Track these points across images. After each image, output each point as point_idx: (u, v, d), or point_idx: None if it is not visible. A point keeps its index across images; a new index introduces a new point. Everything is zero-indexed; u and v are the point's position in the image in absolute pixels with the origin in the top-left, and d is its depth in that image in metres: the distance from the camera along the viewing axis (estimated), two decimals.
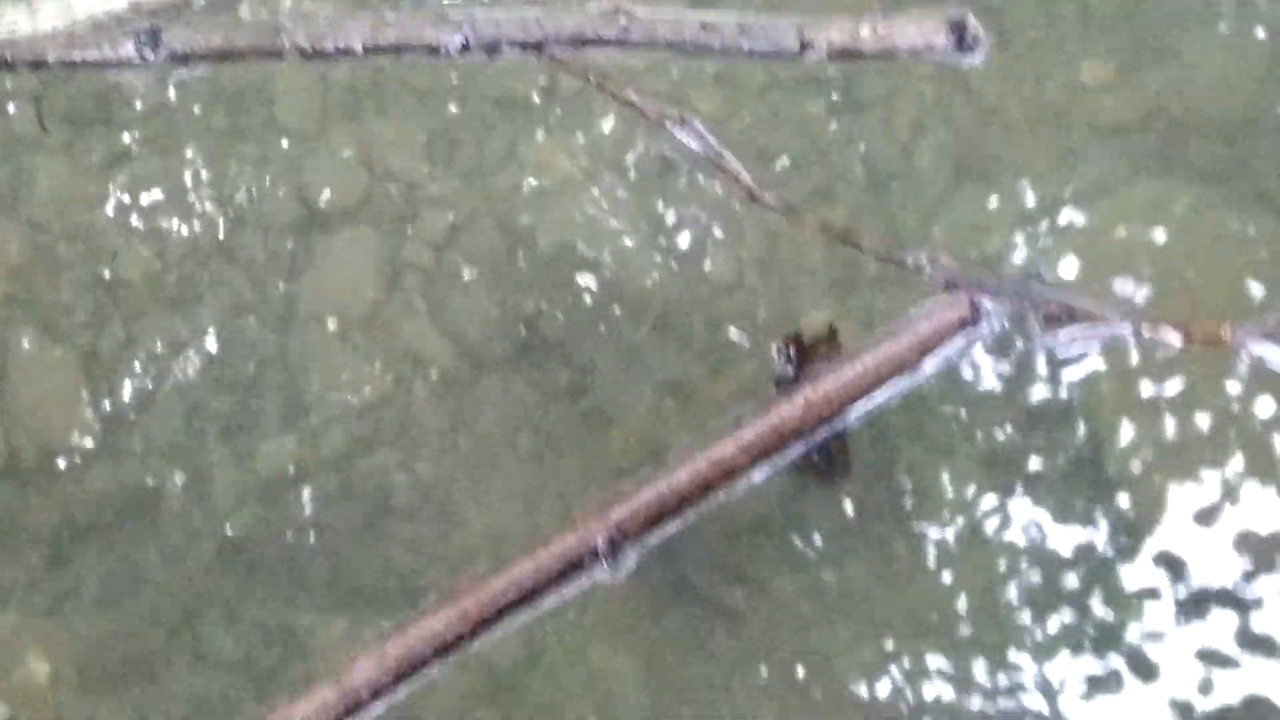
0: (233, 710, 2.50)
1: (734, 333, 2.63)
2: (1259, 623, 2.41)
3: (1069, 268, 2.61)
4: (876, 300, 2.64)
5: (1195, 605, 2.42)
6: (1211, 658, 2.42)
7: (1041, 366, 2.59)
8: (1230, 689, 2.41)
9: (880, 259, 2.52)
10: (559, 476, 2.60)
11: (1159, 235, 2.60)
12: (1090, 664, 2.41)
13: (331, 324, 2.72)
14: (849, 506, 2.54)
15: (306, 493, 2.63)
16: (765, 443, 2.34)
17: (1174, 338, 2.45)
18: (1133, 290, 2.56)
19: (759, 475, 2.47)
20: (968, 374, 2.59)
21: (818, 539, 2.53)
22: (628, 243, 2.71)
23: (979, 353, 2.58)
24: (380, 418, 2.67)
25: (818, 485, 2.48)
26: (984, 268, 2.54)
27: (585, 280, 2.69)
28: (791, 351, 2.46)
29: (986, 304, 2.45)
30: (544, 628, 2.54)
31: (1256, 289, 2.56)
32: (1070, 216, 2.66)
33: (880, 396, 2.51)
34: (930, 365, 2.50)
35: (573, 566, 2.31)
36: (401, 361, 2.71)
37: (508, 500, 2.59)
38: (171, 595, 2.58)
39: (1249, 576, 2.42)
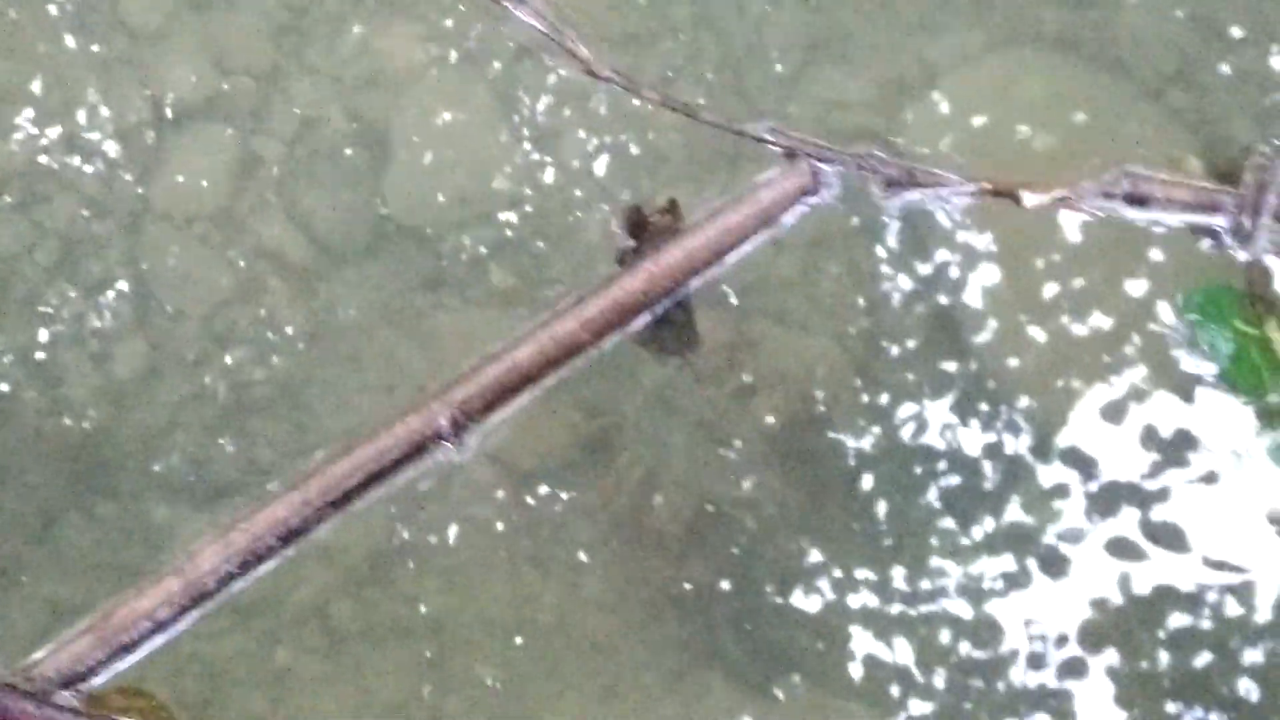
0: (93, 609, 2.47)
1: (584, 214, 2.59)
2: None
3: (915, 134, 2.58)
4: (732, 180, 2.59)
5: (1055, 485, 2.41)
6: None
7: (886, 232, 2.56)
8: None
9: (720, 129, 2.49)
10: (417, 367, 2.56)
11: (1006, 100, 2.57)
12: (993, 563, 2.40)
13: (183, 222, 2.68)
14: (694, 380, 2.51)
15: (162, 392, 2.59)
16: (607, 317, 2.33)
17: (1016, 198, 2.43)
18: (977, 153, 2.53)
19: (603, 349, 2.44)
20: (810, 242, 2.56)
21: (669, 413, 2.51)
22: (481, 130, 2.67)
23: (824, 220, 2.55)
24: (235, 315, 2.64)
25: (663, 357, 2.46)
26: (825, 137, 2.51)
27: (439, 168, 2.65)
28: (632, 226, 2.42)
29: (827, 171, 2.42)
30: (404, 516, 2.50)
31: (1100, 150, 2.52)
32: (921, 84, 2.64)
33: (723, 267, 2.48)
34: (772, 234, 2.47)
35: (417, 448, 2.28)
36: (256, 258, 2.67)
37: (365, 392, 2.57)
38: (29, 499, 2.55)
39: (1099, 436, 2.41)
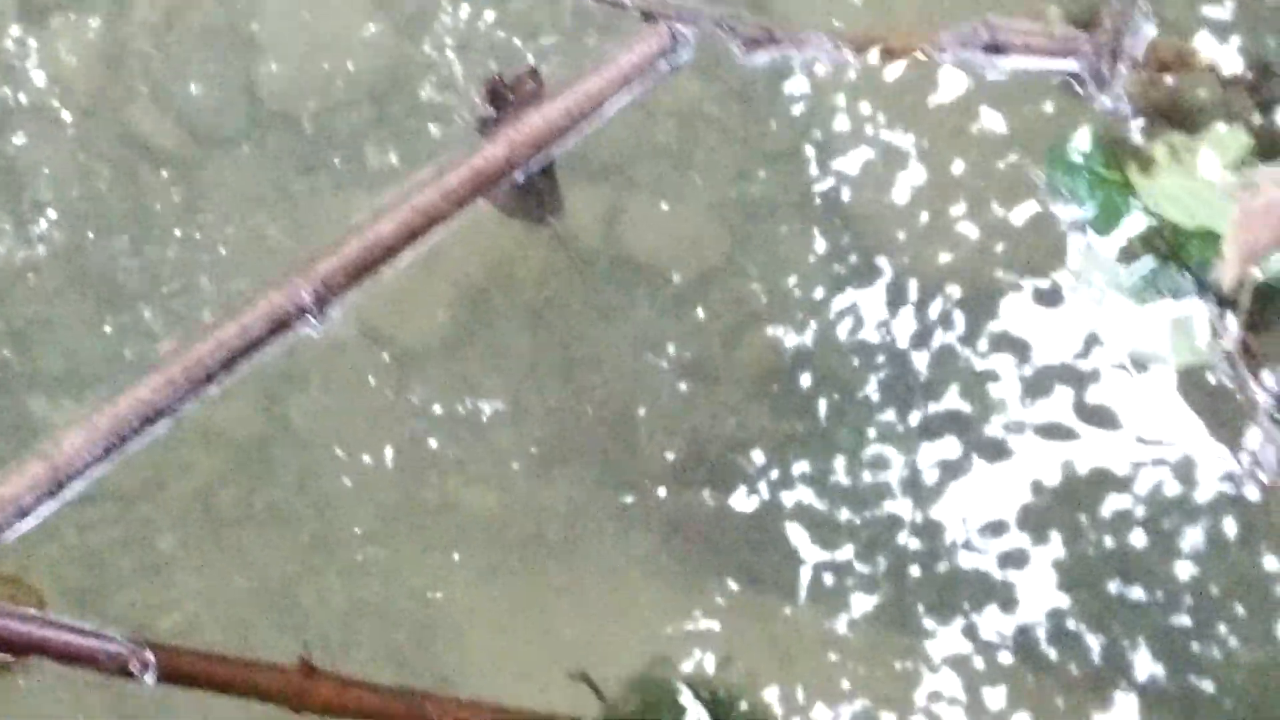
0: None
1: (456, 90, 2.57)
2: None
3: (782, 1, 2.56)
4: (603, 49, 2.57)
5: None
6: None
7: (760, 99, 2.53)
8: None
9: None
10: (295, 248, 2.54)
11: None
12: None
13: (53, 113, 2.64)
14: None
15: (34, 284, 2.57)
16: (469, 187, 2.30)
17: (874, 54, 2.41)
18: (843, 18, 2.51)
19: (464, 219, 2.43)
20: (674, 103, 2.53)
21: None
22: (350, 11, 2.64)
23: (684, 81, 2.53)
24: (108, 205, 2.61)
25: (529, 224, 2.44)
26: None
27: (309, 52, 2.62)
28: (493, 95, 2.40)
29: (685, 32, 2.40)
30: (286, 400, 2.49)
31: (964, 9, 2.52)
32: None
33: (585, 131, 2.46)
34: (632, 96, 2.45)
35: (280, 323, 2.27)
36: (127, 148, 2.64)
37: (242, 274, 2.54)
38: None
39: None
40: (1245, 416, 2.34)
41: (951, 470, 2.48)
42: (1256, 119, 2.44)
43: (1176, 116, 2.37)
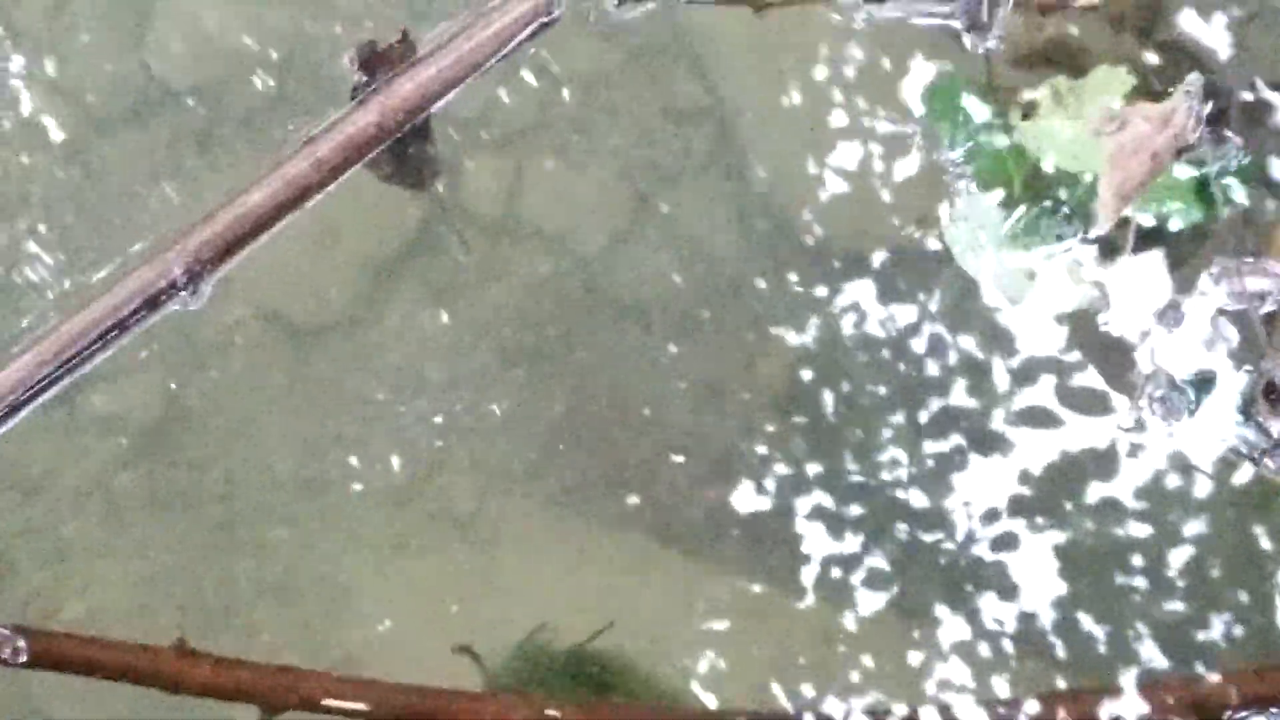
0: None
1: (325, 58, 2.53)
2: None
3: None
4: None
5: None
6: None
7: (653, 53, 2.48)
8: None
9: None
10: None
11: None
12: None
13: None
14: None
15: None
16: (340, 155, 2.25)
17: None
18: None
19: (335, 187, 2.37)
20: (577, 69, 2.47)
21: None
22: None
23: (586, 45, 2.47)
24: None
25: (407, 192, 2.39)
26: None
27: (200, 28, 2.58)
28: (365, 60, 2.35)
29: None
30: (184, 382, 2.45)
31: None
32: None
33: (459, 94, 2.40)
34: (508, 57, 2.39)
35: (152, 299, 2.22)
36: (20, 131, 2.60)
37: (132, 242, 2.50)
38: None
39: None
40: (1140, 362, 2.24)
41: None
42: (1142, 60, 2.34)
43: (1059, 59, 2.28)
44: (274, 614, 2.45)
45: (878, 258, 2.51)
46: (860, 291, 2.52)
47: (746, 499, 2.42)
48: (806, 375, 2.50)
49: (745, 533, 2.46)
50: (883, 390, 2.44)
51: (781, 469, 2.43)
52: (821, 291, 2.55)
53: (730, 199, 2.58)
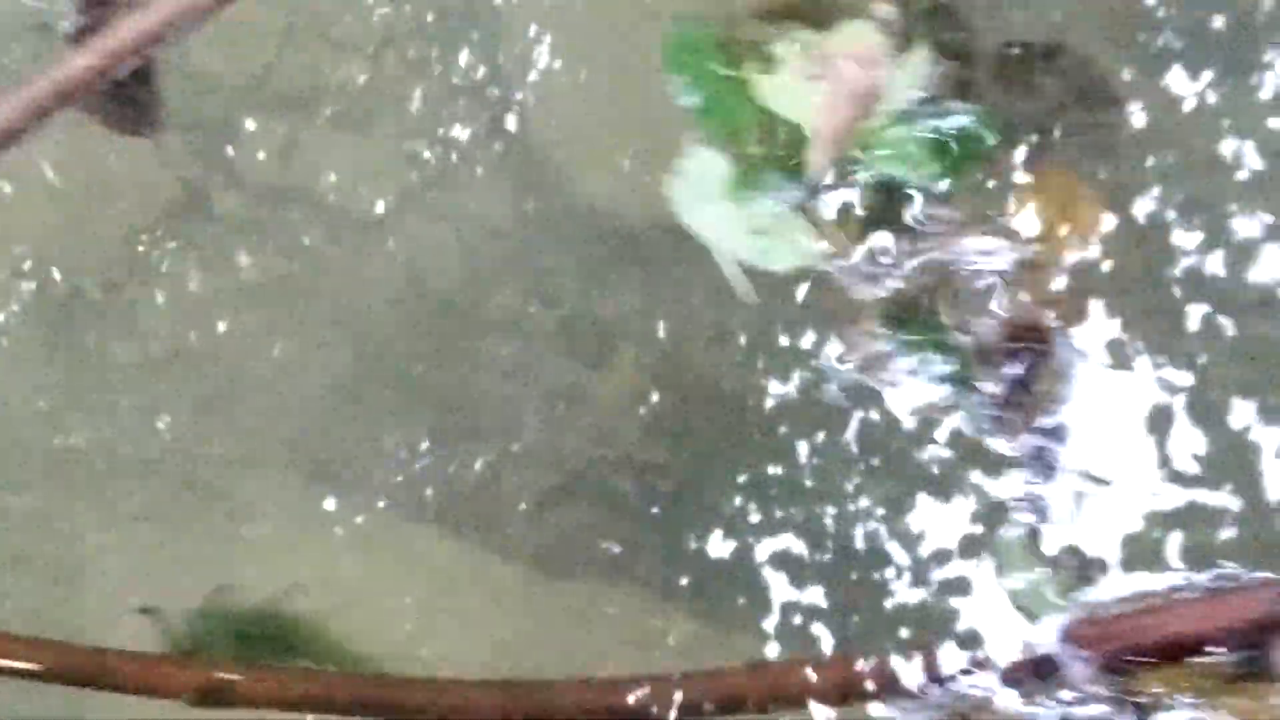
0: None
1: None
2: None
3: None
4: None
5: None
6: None
7: (441, 21, 2.43)
8: None
9: None
10: None
11: None
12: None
13: None
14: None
15: None
16: (52, 97, 2.17)
17: None
18: None
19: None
20: (362, 34, 2.45)
21: None
22: None
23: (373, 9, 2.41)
24: None
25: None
26: None
27: None
28: (87, 2, 2.28)
29: None
30: None
31: None
32: None
33: (185, 36, 2.33)
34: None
35: None
36: None
37: None
38: None
39: None
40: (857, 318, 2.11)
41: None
42: (890, 14, 2.22)
43: (806, 13, 2.16)
44: (13, 586, 2.33)
45: (646, 226, 2.33)
46: (630, 259, 2.38)
47: (493, 475, 2.28)
48: (573, 341, 2.38)
49: (491, 511, 2.28)
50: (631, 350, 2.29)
51: (530, 443, 2.32)
52: (601, 263, 2.46)
53: (513, 170, 2.44)
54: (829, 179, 2.18)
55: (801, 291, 2.25)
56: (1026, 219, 2.19)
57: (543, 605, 2.30)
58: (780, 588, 2.22)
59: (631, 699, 2.03)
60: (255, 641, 2.18)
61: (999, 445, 2.13)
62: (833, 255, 2.16)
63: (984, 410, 2.12)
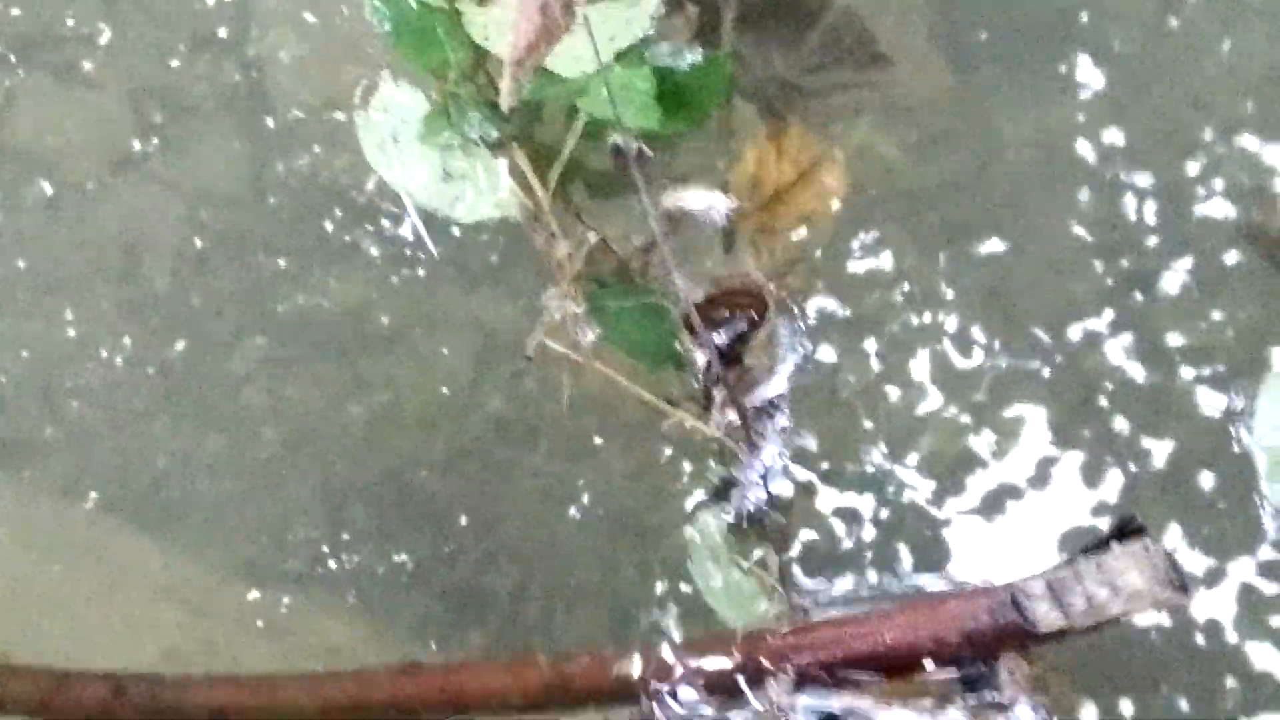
0: None
1: None
2: None
3: None
4: None
5: None
6: None
7: None
8: None
9: None
10: None
11: None
12: None
13: None
14: None
15: None
16: None
17: None
18: None
19: None
20: None
21: None
22: None
23: None
24: None
25: None
26: None
27: None
28: None
29: None
30: None
31: None
32: None
33: None
34: None
35: None
36: None
37: None
38: None
39: None
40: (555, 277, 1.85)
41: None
42: None
43: None
44: None
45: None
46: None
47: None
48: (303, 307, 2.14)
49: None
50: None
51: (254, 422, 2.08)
52: (342, 235, 2.20)
53: (247, 136, 2.24)
54: (520, 114, 1.92)
55: (494, 246, 1.98)
56: (759, 178, 1.92)
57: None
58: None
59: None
60: None
61: (705, 420, 1.84)
62: (532, 207, 1.89)
63: (691, 381, 1.83)
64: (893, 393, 1.96)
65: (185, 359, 2.16)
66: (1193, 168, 2.02)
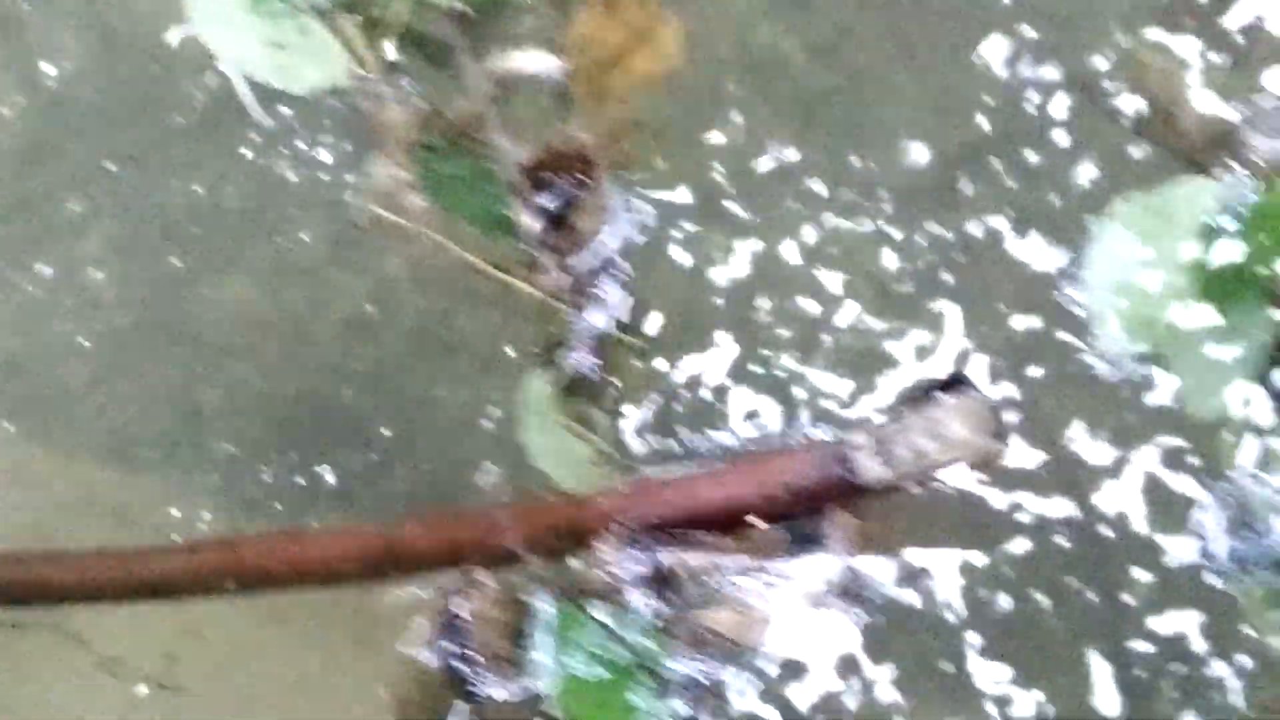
0: None
1: None
2: None
3: None
4: None
5: None
6: None
7: None
8: None
9: None
10: None
11: None
12: None
13: None
14: None
15: None
16: None
17: None
18: None
19: None
20: None
21: None
22: None
23: None
24: None
25: None
26: None
27: None
28: None
29: None
30: None
31: None
32: None
33: None
34: None
35: None
36: None
37: None
38: None
39: None
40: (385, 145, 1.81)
41: None
42: None
43: None
44: None
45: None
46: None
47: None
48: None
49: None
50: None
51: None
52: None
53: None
54: None
55: (325, 114, 1.95)
56: (591, 39, 1.89)
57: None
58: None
59: None
60: None
61: (536, 282, 1.82)
62: (359, 74, 1.86)
63: (521, 245, 1.81)
64: (719, 257, 1.94)
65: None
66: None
